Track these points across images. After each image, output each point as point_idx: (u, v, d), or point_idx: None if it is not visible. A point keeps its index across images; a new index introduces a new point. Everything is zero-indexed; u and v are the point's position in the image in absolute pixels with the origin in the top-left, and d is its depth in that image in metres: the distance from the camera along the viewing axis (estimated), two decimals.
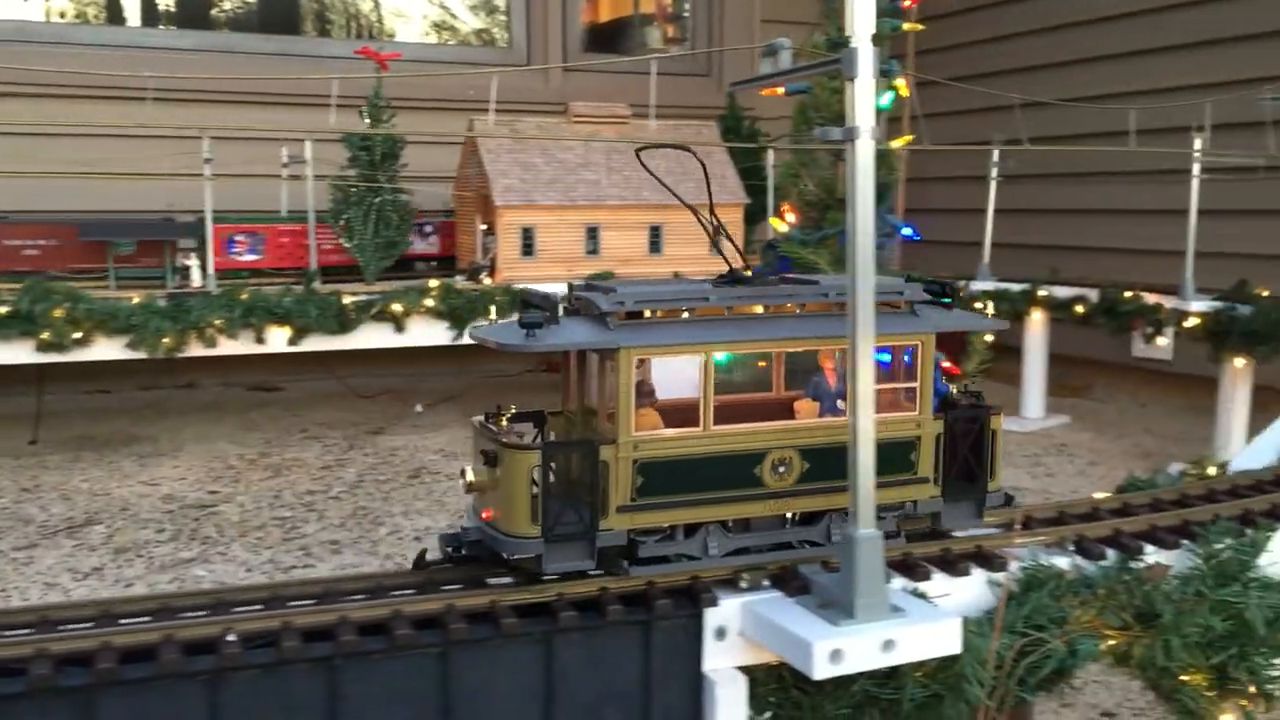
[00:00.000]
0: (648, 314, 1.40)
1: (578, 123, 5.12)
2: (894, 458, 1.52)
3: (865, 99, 1.32)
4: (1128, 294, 4.97)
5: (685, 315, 1.43)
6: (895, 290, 1.55)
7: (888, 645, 1.34)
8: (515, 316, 1.41)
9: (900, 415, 1.53)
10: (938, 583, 1.52)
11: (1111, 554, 1.60)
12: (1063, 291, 5.25)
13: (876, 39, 2.10)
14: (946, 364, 2.09)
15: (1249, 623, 1.58)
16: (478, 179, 5.02)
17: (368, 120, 4.88)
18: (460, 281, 4.94)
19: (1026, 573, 1.56)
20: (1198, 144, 4.56)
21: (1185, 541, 1.64)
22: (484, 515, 1.42)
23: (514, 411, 1.50)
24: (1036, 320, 5.39)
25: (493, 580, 1.45)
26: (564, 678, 1.36)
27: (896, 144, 2.01)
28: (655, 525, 1.42)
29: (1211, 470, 1.98)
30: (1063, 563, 1.58)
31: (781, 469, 1.47)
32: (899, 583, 1.50)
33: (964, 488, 1.57)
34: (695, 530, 1.45)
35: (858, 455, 1.36)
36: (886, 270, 2.11)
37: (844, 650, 1.32)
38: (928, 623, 1.36)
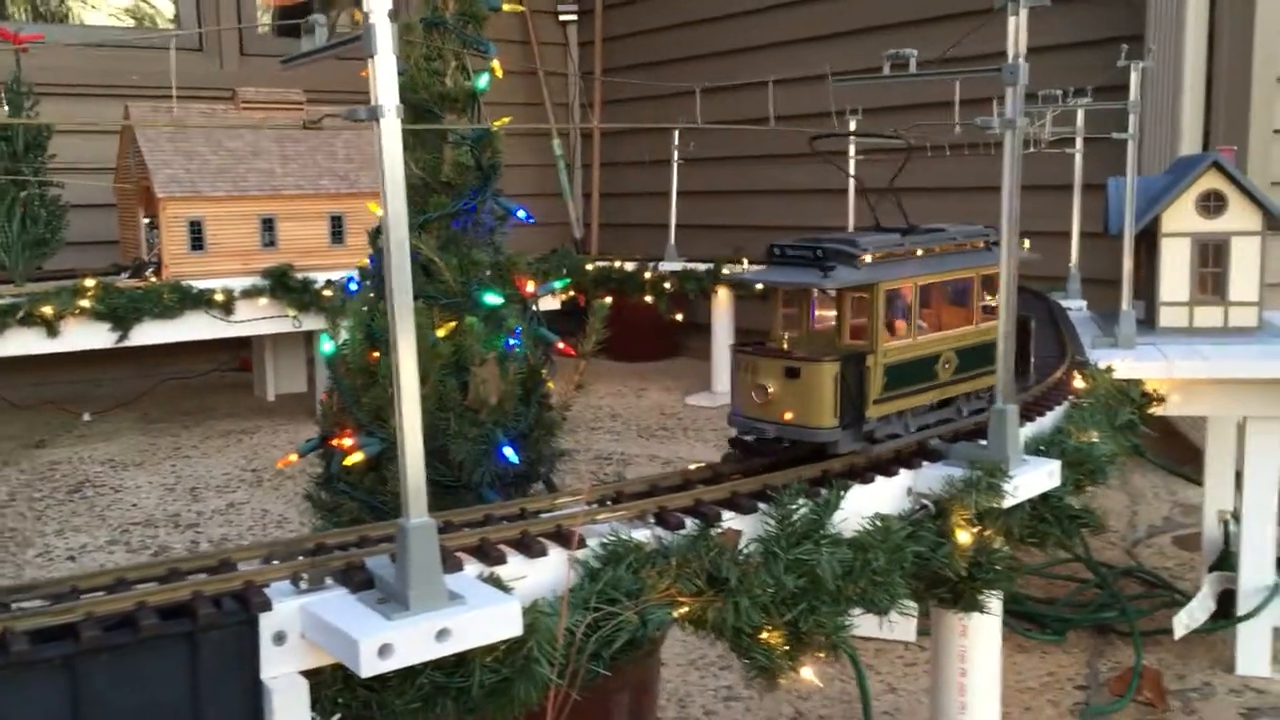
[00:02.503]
0: (867, 259, 1.83)
1: (246, 109, 4.88)
2: (987, 354, 2.03)
3: (387, 77, 1.28)
4: None
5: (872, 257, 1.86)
6: (982, 234, 2.11)
7: (442, 634, 1.31)
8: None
9: (991, 324, 2.04)
10: (514, 565, 1.50)
11: (691, 523, 1.64)
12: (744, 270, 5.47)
13: (474, 17, 2.07)
14: (561, 345, 2.09)
15: (820, 578, 1.65)
16: (138, 170, 4.70)
17: (6, 107, 4.47)
18: (123, 279, 4.62)
19: (607, 548, 1.57)
20: (852, 126, 4.83)
21: (762, 505, 1.70)
22: (785, 418, 1.80)
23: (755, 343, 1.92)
24: (722, 298, 5.58)
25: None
26: (95, 705, 1.25)
27: (496, 125, 1.99)
28: (889, 413, 1.88)
29: None
30: (643, 535, 1.61)
31: (947, 365, 1.98)
32: (472, 568, 1.48)
33: (1018, 373, 2.14)
34: (900, 415, 1.91)
35: (406, 446, 1.32)
36: (500, 254, 2.09)
37: (393, 644, 1.28)
38: (486, 607, 1.34)
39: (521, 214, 2.12)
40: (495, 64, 1.99)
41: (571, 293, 5.62)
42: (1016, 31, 1.78)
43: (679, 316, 5.78)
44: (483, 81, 1.99)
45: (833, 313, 1.93)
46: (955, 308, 2.06)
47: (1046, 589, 3.35)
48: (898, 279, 1.87)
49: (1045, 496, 2.03)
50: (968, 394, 2.07)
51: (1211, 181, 2.86)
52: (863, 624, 1.82)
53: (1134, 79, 2.82)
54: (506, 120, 1.99)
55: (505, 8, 2.05)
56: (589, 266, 5.75)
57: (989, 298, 2.08)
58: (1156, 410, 2.73)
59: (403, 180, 1.29)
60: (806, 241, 1.86)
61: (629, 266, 5.66)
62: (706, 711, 2.65)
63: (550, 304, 5.32)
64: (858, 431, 1.84)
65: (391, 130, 1.28)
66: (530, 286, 2.09)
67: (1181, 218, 2.89)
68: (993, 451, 1.88)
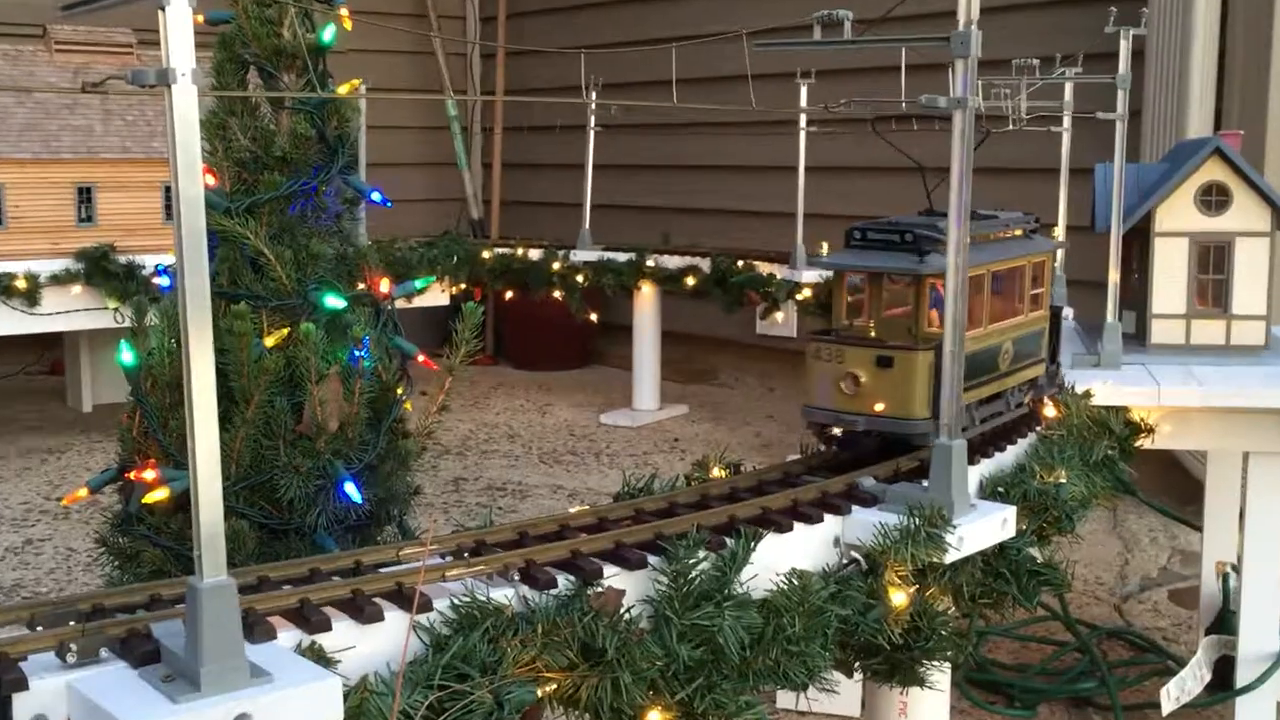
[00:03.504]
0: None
1: (61, 51, 4.78)
2: (1035, 343, 2.35)
3: (180, 34, 1.25)
4: (740, 263, 5.25)
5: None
6: (1023, 220, 2.35)
7: None
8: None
9: (1040, 313, 2.36)
10: (341, 633, 1.48)
11: (565, 580, 1.64)
12: (673, 261, 5.46)
13: None
14: (422, 358, 2.08)
15: (722, 648, 1.66)
16: None
17: None
18: None
19: (459, 611, 1.56)
20: (804, 94, 4.87)
21: (653, 559, 1.70)
22: (876, 409, 2.01)
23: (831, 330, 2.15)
24: (646, 295, 5.59)
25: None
26: None
27: (344, 90, 1.97)
28: (966, 404, 2.03)
29: (718, 471, 2.08)
30: (505, 595, 1.60)
31: (1006, 355, 2.22)
32: (288, 636, 1.46)
33: (1051, 363, 2.50)
34: (968, 407, 2.09)
35: (200, 488, 1.30)
36: (349, 245, 2.07)
37: None
38: (297, 686, 1.33)
39: (376, 196, 2.11)
40: (344, 13, 1.97)
41: (464, 286, 5.60)
42: None
43: (594, 317, 5.78)
44: (327, 35, 1.97)
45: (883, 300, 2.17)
46: (1007, 296, 2.28)
47: (1017, 654, 3.40)
48: (977, 265, 2.06)
49: (1002, 548, 2.06)
50: (1015, 386, 2.35)
51: (1213, 172, 2.92)
52: (794, 694, 1.83)
53: (1124, 49, 2.88)
54: (357, 83, 1.97)
55: None
56: (486, 254, 5.72)
57: (1036, 286, 2.35)
58: (1144, 443, 2.78)
59: (199, 160, 1.27)
60: (889, 223, 2.06)
61: (534, 254, 5.65)
62: None
63: (440, 298, 5.30)
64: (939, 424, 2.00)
65: (186, 98, 1.26)
66: (385, 286, 2.07)
67: (1178, 214, 2.95)
68: (934, 494, 1.90)
